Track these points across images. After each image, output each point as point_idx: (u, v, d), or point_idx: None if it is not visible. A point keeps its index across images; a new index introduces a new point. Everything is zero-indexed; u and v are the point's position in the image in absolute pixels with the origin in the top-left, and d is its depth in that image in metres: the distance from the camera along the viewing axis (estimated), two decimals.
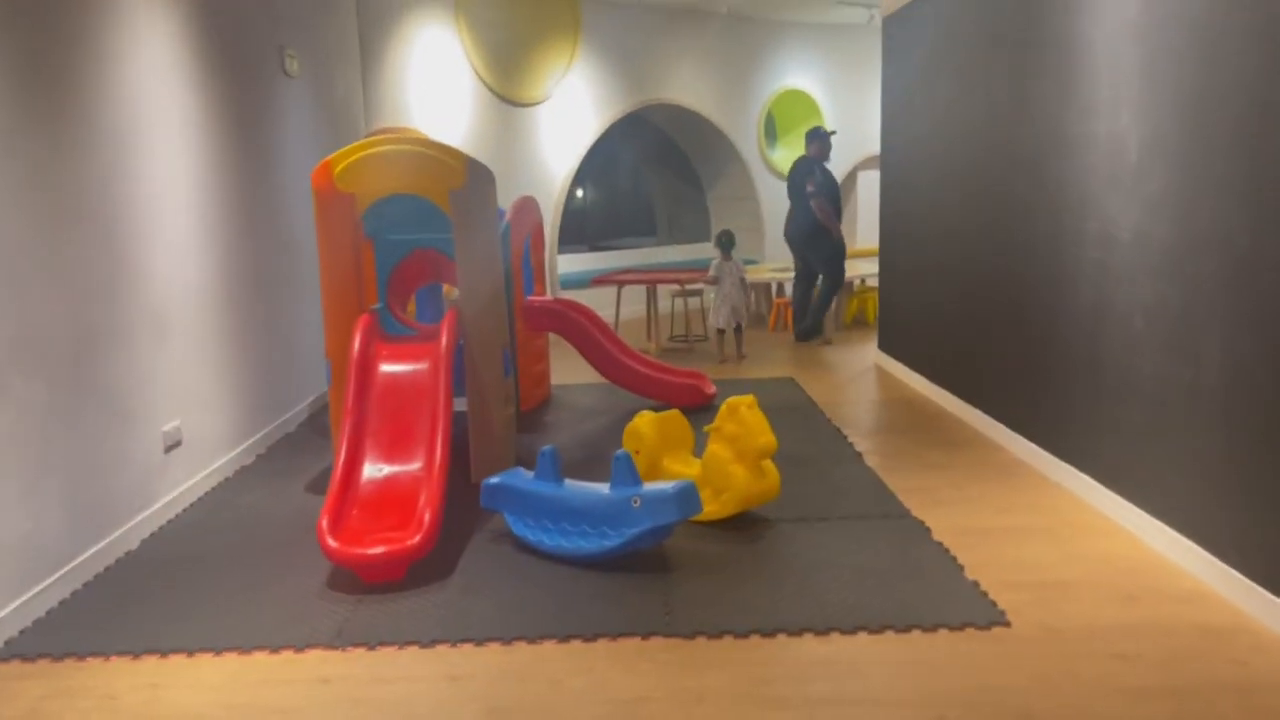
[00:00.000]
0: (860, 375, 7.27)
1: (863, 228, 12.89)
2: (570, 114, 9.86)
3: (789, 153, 12.07)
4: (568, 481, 3.87)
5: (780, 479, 4.11)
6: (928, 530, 3.93)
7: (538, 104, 9.58)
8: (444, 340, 4.28)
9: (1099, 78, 4.04)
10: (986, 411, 5.40)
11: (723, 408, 4.05)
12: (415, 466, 3.90)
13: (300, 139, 6.29)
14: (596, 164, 12.29)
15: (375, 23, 8.07)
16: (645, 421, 4.32)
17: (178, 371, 4.44)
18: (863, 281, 9.87)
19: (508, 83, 9.25)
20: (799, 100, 11.98)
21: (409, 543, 3.47)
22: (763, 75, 11.62)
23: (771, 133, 12.26)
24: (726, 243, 7.96)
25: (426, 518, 3.55)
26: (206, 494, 4.63)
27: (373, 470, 3.89)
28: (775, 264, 10.94)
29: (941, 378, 6.18)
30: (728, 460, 3.96)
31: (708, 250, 12.36)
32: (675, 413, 4.43)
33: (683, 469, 4.22)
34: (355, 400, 4.07)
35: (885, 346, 7.52)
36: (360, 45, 7.92)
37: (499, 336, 4.70)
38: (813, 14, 11.35)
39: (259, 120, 5.62)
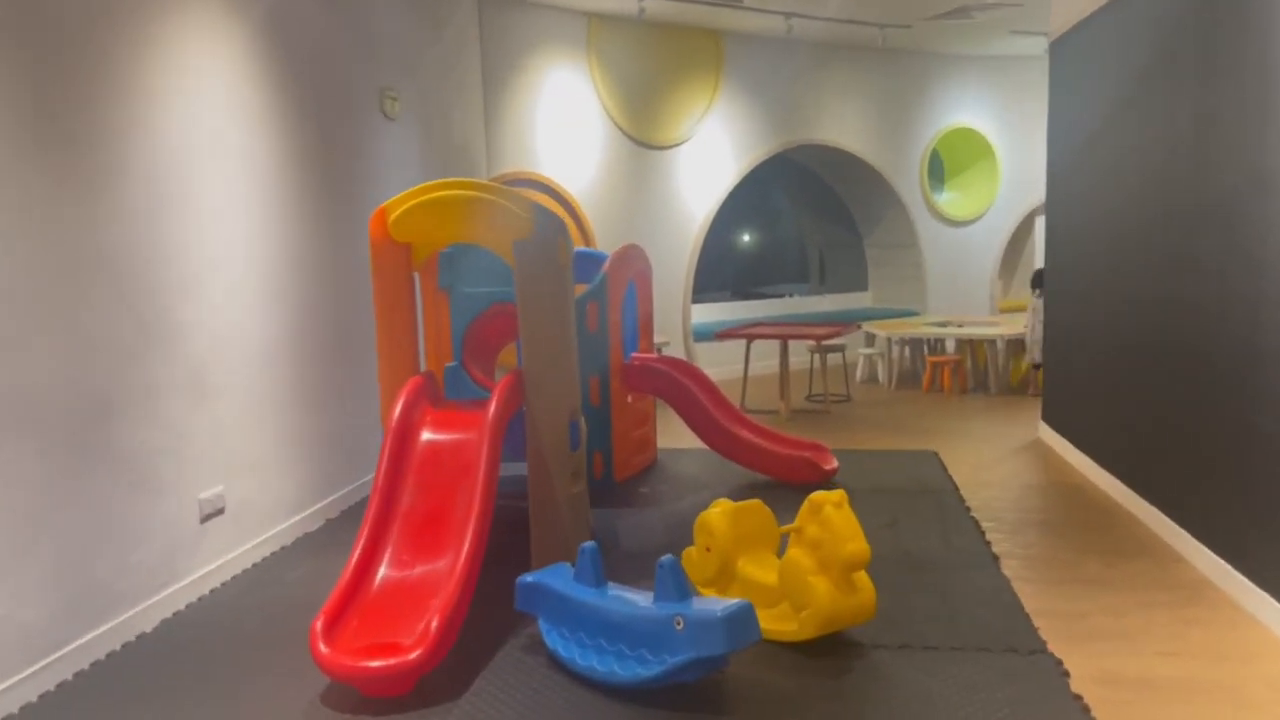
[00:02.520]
0: (1017, 452, 6.26)
1: None
2: (710, 156, 9.33)
3: (958, 196, 11.08)
4: (611, 586, 3.25)
5: (877, 594, 3.32)
6: (1065, 676, 3.05)
7: (675, 146, 9.10)
8: (493, 408, 3.76)
9: None
10: (1166, 511, 4.38)
11: (805, 505, 3.33)
12: (440, 563, 3.37)
13: (402, 185, 6.01)
14: (742, 208, 11.70)
15: (500, 63, 7.84)
16: (719, 513, 3.65)
17: (223, 434, 4.14)
18: None
19: (643, 124, 8.83)
20: (969, 139, 10.98)
21: (410, 657, 2.95)
22: (926, 112, 10.71)
23: (938, 174, 11.29)
24: (1039, 281, 7.74)
25: (434, 627, 3.01)
26: (252, 567, 4.30)
27: (393, 562, 3.40)
28: (931, 318, 9.93)
29: (1114, 464, 5.15)
30: (808, 570, 3.23)
31: (863, 300, 11.49)
32: (756, 504, 3.72)
33: (760, 573, 3.51)
34: (386, 477, 3.60)
35: (1050, 420, 6.48)
36: (484, 86, 7.70)
37: (566, 403, 4.15)
38: (981, 45, 10.37)
39: (345, 165, 5.37)
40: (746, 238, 12.83)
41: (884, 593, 3.44)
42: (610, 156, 8.68)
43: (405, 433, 3.77)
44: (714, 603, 2.95)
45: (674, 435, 6.46)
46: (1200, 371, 4.01)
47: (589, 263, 5.67)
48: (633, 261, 5.73)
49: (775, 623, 3.36)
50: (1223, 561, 3.76)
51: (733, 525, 3.62)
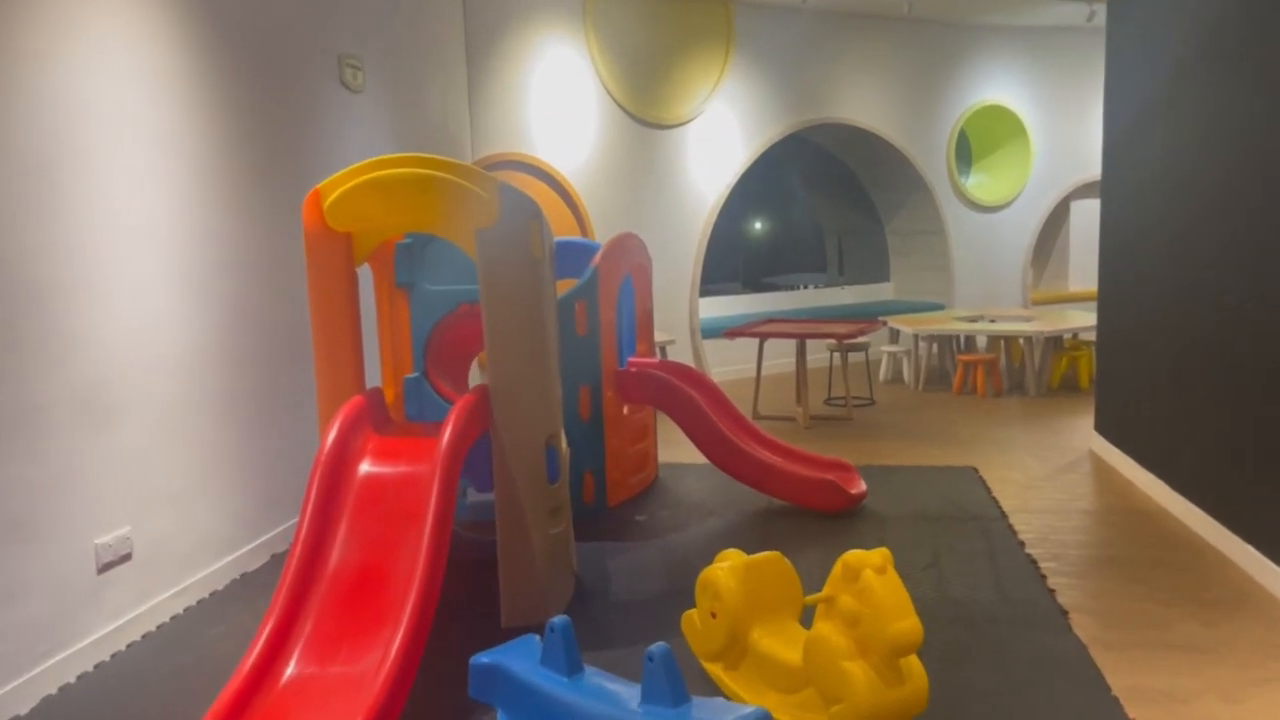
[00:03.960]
0: (1069, 468, 5.50)
1: (1075, 268, 10.85)
2: (719, 136, 8.56)
3: (988, 179, 10.29)
4: (589, 673, 2.53)
5: (929, 682, 2.59)
6: None
7: (681, 125, 8.34)
8: (447, 435, 3.04)
9: None
10: (1262, 548, 3.63)
11: (837, 567, 2.60)
12: (370, 653, 2.64)
13: None
14: (754, 192, 10.94)
15: (486, 32, 7.09)
16: (727, 569, 2.92)
17: (129, 463, 3.43)
18: (1074, 335, 7.97)
19: (645, 102, 8.07)
20: (1000, 117, 10.16)
21: None
22: (954, 88, 9.91)
23: (965, 156, 10.49)
24: None
25: None
26: (170, 621, 3.59)
27: (311, 644, 2.67)
28: (959, 312, 9.15)
29: (1189, 487, 4.40)
30: (843, 653, 2.50)
31: (885, 291, 10.73)
32: (773, 557, 2.99)
33: (780, 648, 2.78)
34: (312, 525, 2.88)
35: (1105, 429, 5.71)
36: (467, 58, 6.96)
37: (542, 426, 3.43)
38: (1017, 14, 9.55)
39: (294, 144, 4.64)
40: (759, 225, 12.05)
41: (929, 659, 2.73)
42: (609, 137, 7.93)
43: (338, 466, 3.05)
44: (719, 710, 2.23)
45: (676, 446, 5.74)
46: None
47: (578, 254, 4.95)
48: (629, 253, 4.99)
49: (799, 713, 2.64)
50: None
51: (744, 585, 2.89)
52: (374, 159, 3.29)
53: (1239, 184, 3.87)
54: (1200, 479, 4.28)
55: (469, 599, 3.58)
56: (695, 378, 5.14)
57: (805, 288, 11.19)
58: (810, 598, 2.69)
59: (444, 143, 6.46)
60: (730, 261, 11.40)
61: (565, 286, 4.77)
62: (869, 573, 2.50)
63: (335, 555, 2.87)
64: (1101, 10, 8.57)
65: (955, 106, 9.93)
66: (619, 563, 4.09)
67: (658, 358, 5.26)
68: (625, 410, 4.97)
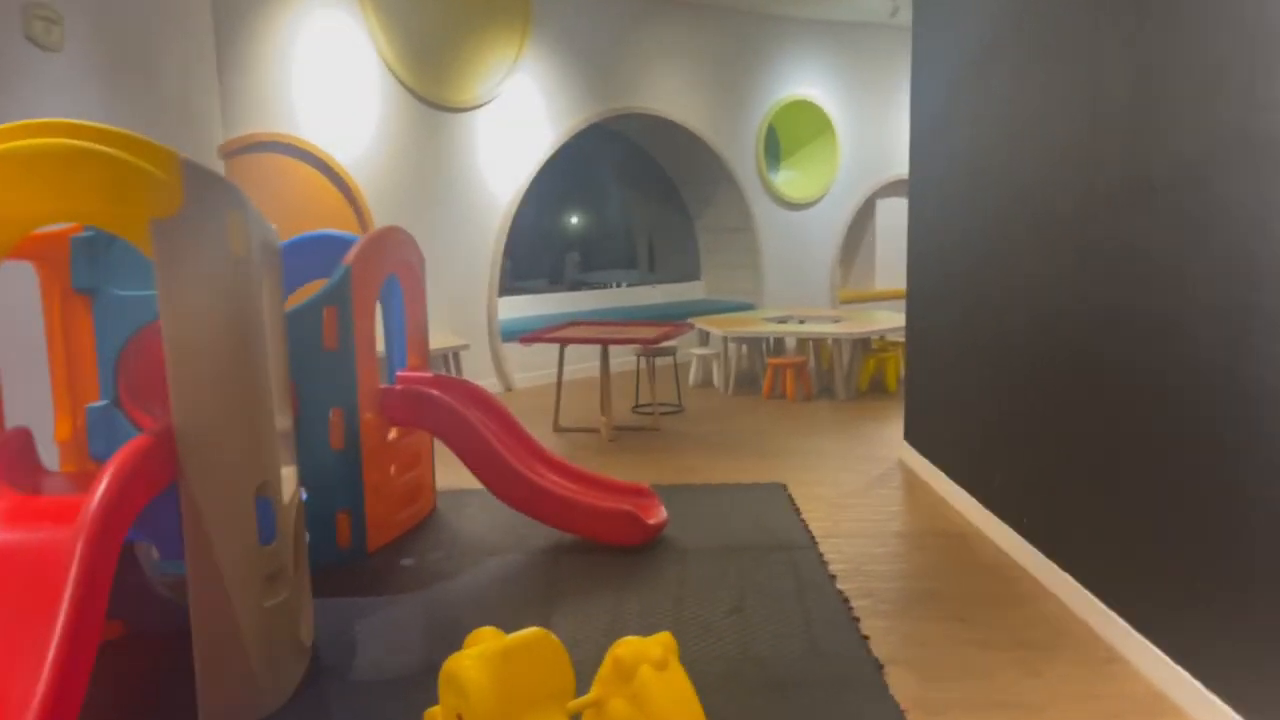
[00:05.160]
0: (879, 481, 5.20)
1: (881, 267, 10.89)
2: (518, 122, 7.91)
3: (796, 176, 10.11)
4: None
5: None
6: None
7: (475, 108, 7.63)
8: (100, 491, 2.27)
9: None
10: (1080, 578, 3.35)
11: (607, 661, 2.04)
12: None
13: None
14: (562, 185, 10.37)
15: None
16: (474, 662, 2.28)
17: None
18: (882, 337, 7.82)
19: (433, 81, 7.30)
20: (807, 112, 10.01)
21: None
22: (762, 82, 9.65)
23: (774, 152, 10.29)
24: None
25: None
26: None
27: None
28: (769, 312, 8.89)
29: (1000, 506, 4.13)
30: None
31: (696, 290, 10.40)
32: (537, 638, 2.37)
33: None
34: None
35: (914, 439, 5.47)
36: (215, 21, 6.00)
37: (249, 472, 2.69)
38: (822, 7, 9.40)
39: None
40: (569, 220, 11.48)
41: None
42: (392, 119, 7.12)
43: None
44: None
45: (462, 469, 5.05)
46: (1137, 403, 2.97)
47: (331, 251, 4.19)
48: (393, 249, 4.27)
49: None
50: (1173, 664, 2.72)
51: (497, 679, 2.26)
52: (5, 125, 2.46)
53: (1046, 184, 3.59)
54: (1012, 498, 4.02)
55: (163, 695, 2.80)
56: (476, 395, 4.49)
57: (617, 286, 10.70)
58: (575, 703, 2.11)
59: (183, 119, 5.51)
60: (538, 258, 10.77)
61: (307, 291, 4.02)
62: (646, 670, 1.95)
63: None
64: (905, 6, 8.49)
65: (763, 100, 9.69)
66: (372, 624, 3.39)
67: (432, 372, 4.57)
68: (392, 435, 4.26)
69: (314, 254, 4.30)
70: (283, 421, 3.17)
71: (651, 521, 4.10)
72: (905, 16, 9.44)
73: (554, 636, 2.39)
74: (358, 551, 3.99)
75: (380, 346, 4.51)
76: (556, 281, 11.03)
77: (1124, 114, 3.03)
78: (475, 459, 4.05)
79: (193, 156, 2.59)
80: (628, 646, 2.00)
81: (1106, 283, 3.15)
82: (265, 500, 2.75)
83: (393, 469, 4.29)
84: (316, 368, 3.82)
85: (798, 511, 4.60)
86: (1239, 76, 2.44)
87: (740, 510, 4.63)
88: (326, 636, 3.27)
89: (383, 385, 4.14)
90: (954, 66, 4.70)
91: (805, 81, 9.90)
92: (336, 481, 3.91)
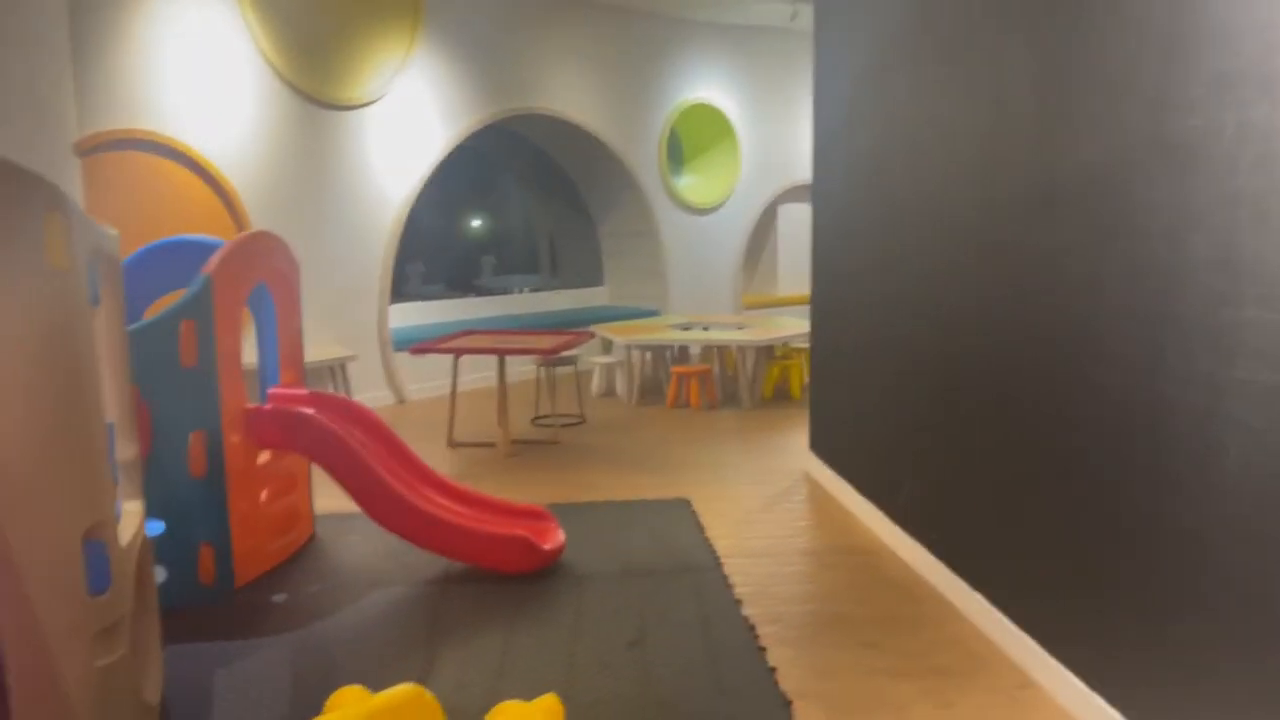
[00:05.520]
0: (785, 495, 5.06)
1: (784, 272, 10.87)
2: (410, 121, 7.56)
3: (699, 180, 9.99)
4: None
5: None
6: None
7: (363, 106, 7.26)
8: None
9: (1203, 50, 1.92)
10: (990, 597, 3.23)
11: None
12: None
13: None
14: (460, 188, 10.03)
15: None
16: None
17: None
18: (785, 344, 7.73)
19: (317, 77, 6.91)
20: (708, 116, 9.90)
21: None
22: (664, 85, 9.50)
23: (677, 156, 10.15)
24: None
25: None
26: None
27: None
28: (673, 318, 8.73)
29: (908, 520, 4.02)
30: None
31: (599, 296, 10.19)
32: (409, 697, 2.10)
33: None
34: None
35: (819, 449, 5.35)
36: (70, 12, 5.51)
37: (77, 514, 2.35)
38: (722, 11, 9.30)
39: None
40: (469, 224, 11.14)
41: None
42: (272, 116, 6.70)
43: None
44: None
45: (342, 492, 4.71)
46: (1044, 417, 2.86)
47: (189, 258, 3.82)
48: (261, 256, 3.92)
49: None
50: (1086, 689, 2.61)
51: None
52: None
53: (949, 188, 3.48)
54: (920, 513, 3.90)
55: None
56: (356, 413, 4.17)
57: (519, 291, 10.40)
58: None
59: (29, 112, 5.02)
60: (443, 263, 10.42)
61: (159, 305, 3.66)
62: None
63: None
64: (804, 11, 8.46)
65: (665, 103, 9.54)
66: (234, 673, 3.05)
67: (307, 388, 4.23)
68: (263, 458, 3.91)
69: (173, 261, 3.93)
70: (126, 450, 2.83)
71: (547, 547, 3.85)
72: (805, 22, 9.42)
73: (428, 694, 2.13)
74: (223, 588, 3.63)
75: (253, 361, 4.16)
76: (456, 287, 10.68)
77: (1030, 117, 2.92)
78: (354, 483, 3.74)
79: (42, 154, 2.24)
80: (507, 716, 1.75)
81: (1011, 292, 3.04)
82: (97, 544, 2.40)
83: (264, 495, 3.94)
84: (173, 387, 3.46)
85: (701, 529, 4.42)
86: (1147, 79, 2.33)
87: (642, 529, 4.42)
88: (180, 689, 2.92)
89: (251, 405, 3.78)
90: (856, 69, 4.59)
91: (706, 84, 9.79)
92: (198, 512, 3.55)
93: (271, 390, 4.14)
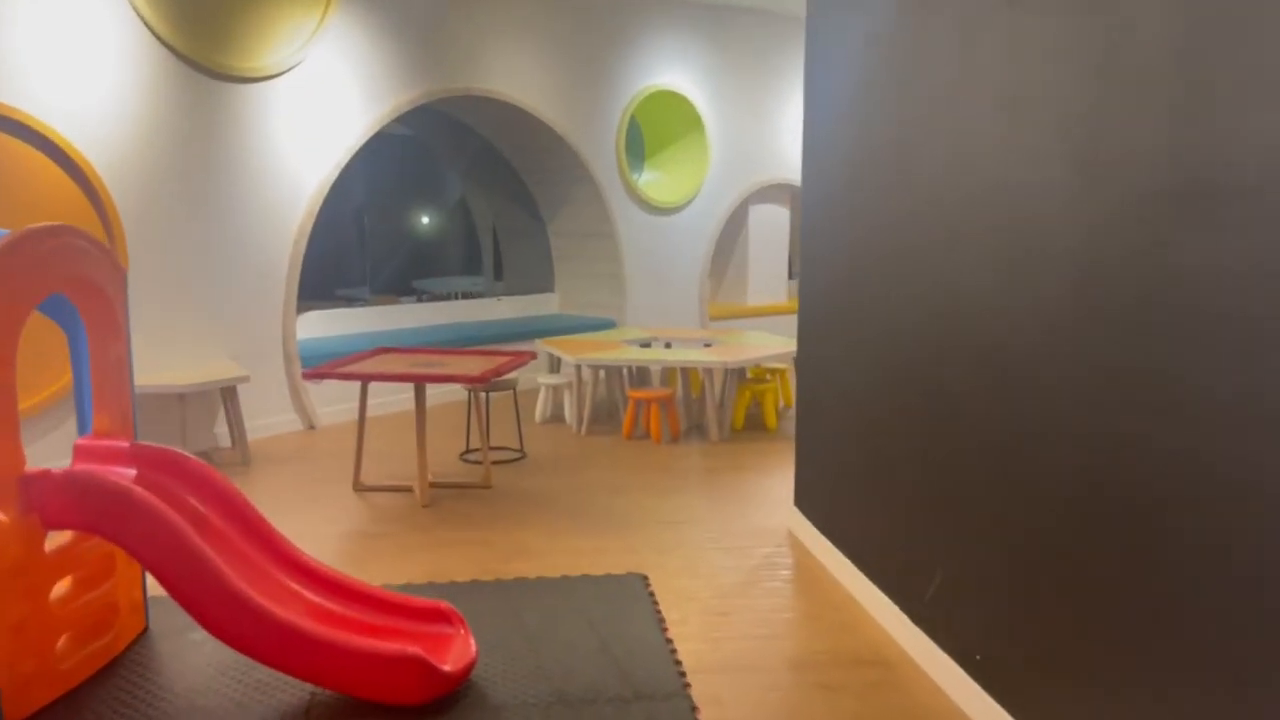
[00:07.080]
0: (766, 567, 4.05)
1: (754, 281, 9.88)
2: (325, 98, 6.46)
3: (662, 177, 8.97)
4: None
5: None
6: None
7: (267, 79, 6.14)
8: None
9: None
10: None
11: None
12: None
13: None
14: (391, 179, 8.91)
15: None
16: None
17: None
18: (758, 364, 6.73)
19: (209, 42, 5.78)
20: (674, 105, 8.88)
21: None
22: (625, 67, 8.46)
23: (638, 150, 9.12)
24: None
25: None
26: None
27: None
28: (631, 332, 7.68)
29: (935, 623, 3.02)
30: None
31: (549, 303, 9.14)
32: None
33: None
34: None
35: (809, 509, 4.35)
36: None
37: None
38: None
39: None
40: (402, 219, 10.00)
41: None
42: (151, 88, 5.56)
43: None
44: None
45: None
46: (1080, 468, 1.88)
47: None
48: (57, 260, 2.80)
49: None
50: None
51: None
52: None
53: (971, 183, 2.49)
54: (955, 615, 2.91)
55: None
56: (195, 474, 3.08)
57: (457, 297, 9.31)
58: None
59: None
60: (366, 263, 9.29)
61: None
62: None
63: None
64: None
65: (625, 90, 8.50)
66: None
67: (132, 439, 3.13)
68: (64, 538, 2.81)
69: None
70: None
71: (448, 669, 2.79)
72: (790, 2, 8.45)
73: None
74: None
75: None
76: (385, 291, 9.56)
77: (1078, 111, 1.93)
78: (179, 580, 2.65)
79: None
80: None
81: (1084, 309, 2.05)
82: None
83: (63, 588, 2.85)
84: None
85: (660, 624, 3.39)
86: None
87: (585, 625, 3.38)
88: None
89: (32, 468, 2.69)
90: (860, 62, 3.59)
91: (672, 69, 8.77)
92: None
93: (79, 442, 3.04)
